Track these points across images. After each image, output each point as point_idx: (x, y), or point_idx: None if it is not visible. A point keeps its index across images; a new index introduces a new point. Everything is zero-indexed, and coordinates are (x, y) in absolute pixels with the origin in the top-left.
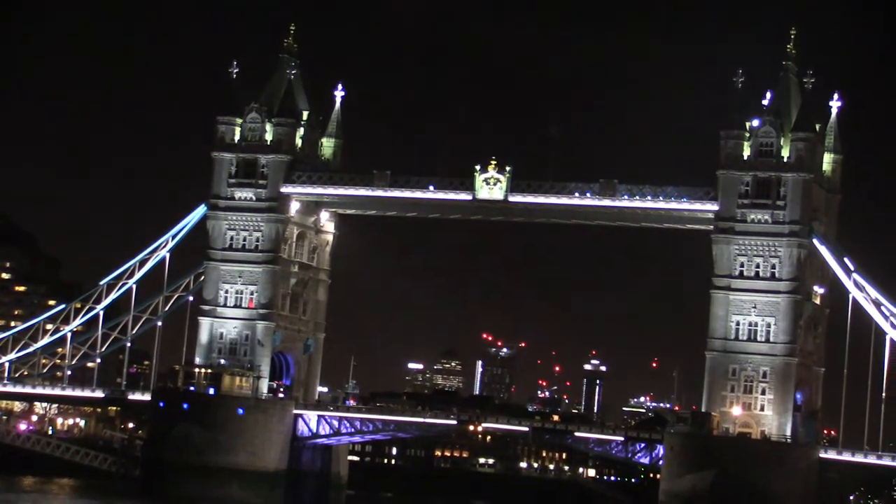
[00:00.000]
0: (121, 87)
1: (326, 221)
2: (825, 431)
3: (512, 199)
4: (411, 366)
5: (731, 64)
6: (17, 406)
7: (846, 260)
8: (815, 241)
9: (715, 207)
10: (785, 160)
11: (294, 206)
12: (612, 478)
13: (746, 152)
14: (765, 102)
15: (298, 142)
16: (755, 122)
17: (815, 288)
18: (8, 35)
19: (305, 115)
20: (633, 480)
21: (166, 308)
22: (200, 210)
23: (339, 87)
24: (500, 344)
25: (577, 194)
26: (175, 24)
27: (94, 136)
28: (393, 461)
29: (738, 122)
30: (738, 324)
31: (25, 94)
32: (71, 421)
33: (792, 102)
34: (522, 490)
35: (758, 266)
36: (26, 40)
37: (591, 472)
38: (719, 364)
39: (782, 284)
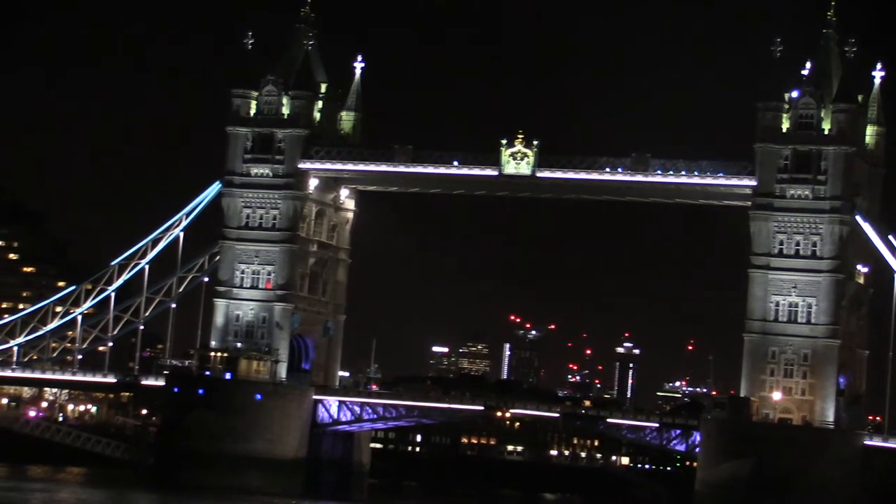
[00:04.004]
0: (132, 60)
1: (346, 198)
2: (870, 417)
3: (540, 174)
4: (436, 349)
5: (768, 32)
6: (27, 392)
7: (891, 237)
8: (858, 218)
9: (752, 183)
10: (826, 133)
11: (312, 183)
12: (647, 466)
13: (785, 125)
14: (804, 72)
15: (316, 115)
16: (794, 94)
17: (858, 267)
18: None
19: (323, 87)
20: (668, 468)
21: (180, 289)
22: (215, 187)
23: (359, 58)
24: (528, 326)
25: (607, 169)
26: None
27: (104, 110)
28: (417, 448)
29: (777, 94)
30: (777, 304)
31: (33, 68)
32: (82, 407)
33: (833, 72)
34: (552, 479)
35: (798, 244)
36: (31, 14)
37: (625, 460)
38: (758, 347)
39: (824, 263)
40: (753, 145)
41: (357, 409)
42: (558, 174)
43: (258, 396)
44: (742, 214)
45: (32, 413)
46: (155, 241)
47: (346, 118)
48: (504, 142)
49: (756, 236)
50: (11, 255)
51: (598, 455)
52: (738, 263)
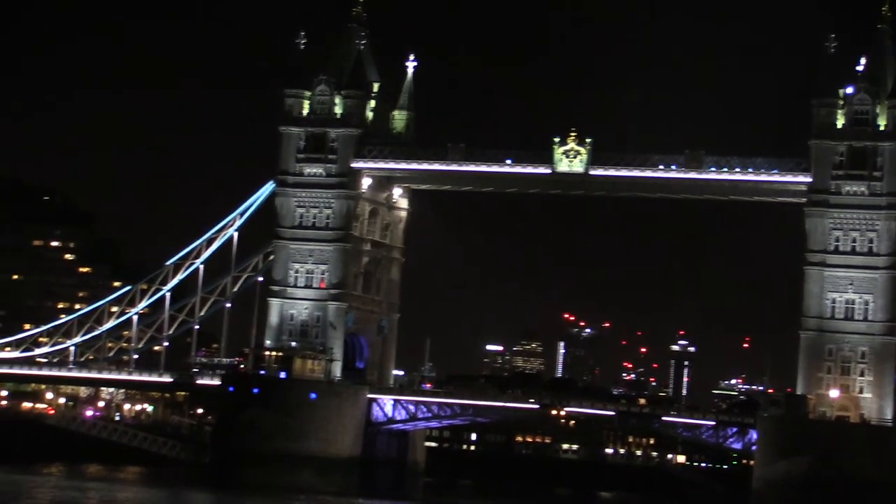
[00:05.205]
0: (184, 60)
1: (399, 197)
2: None
3: (593, 172)
4: (489, 347)
5: (823, 28)
6: (83, 391)
7: None
8: None
9: (808, 179)
10: (881, 129)
11: (365, 182)
12: (703, 464)
13: (840, 121)
14: (859, 68)
15: (369, 115)
16: (849, 90)
17: None
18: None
19: (376, 86)
20: (724, 467)
21: (235, 289)
22: (268, 187)
23: (411, 57)
24: (582, 324)
25: (661, 166)
26: None
27: (157, 111)
28: (472, 447)
29: (831, 90)
30: (833, 301)
31: (85, 72)
32: (138, 406)
33: (888, 68)
34: (608, 477)
35: (854, 240)
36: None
37: (681, 458)
38: (815, 344)
39: (880, 259)
40: (808, 142)
41: (412, 407)
42: (611, 172)
43: (313, 395)
44: (797, 211)
45: (89, 412)
46: (209, 241)
47: (399, 117)
48: (557, 139)
49: (812, 233)
50: (67, 256)
51: (654, 453)
52: (793, 260)
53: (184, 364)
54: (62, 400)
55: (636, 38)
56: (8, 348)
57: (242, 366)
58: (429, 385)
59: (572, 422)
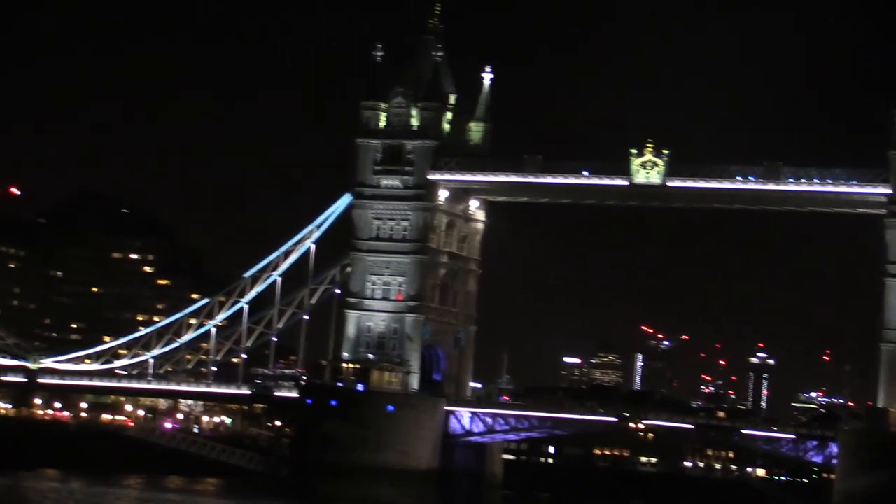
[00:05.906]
0: (260, 71)
1: (476, 209)
2: None
3: (670, 183)
4: (567, 360)
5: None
6: (162, 403)
7: None
8: None
9: (888, 190)
10: None
11: (442, 194)
12: (783, 477)
13: None
14: None
15: (445, 126)
16: None
17: None
18: (149, 33)
19: (452, 98)
20: (804, 480)
21: (312, 301)
22: (346, 199)
23: (488, 69)
24: (660, 336)
25: (739, 178)
26: (313, 5)
27: (232, 123)
28: (550, 460)
29: None
30: None
31: (161, 84)
32: (216, 418)
33: None
34: (687, 490)
35: None
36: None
37: (760, 472)
38: None
39: None
40: (888, 152)
41: (489, 420)
42: (689, 183)
43: (390, 408)
44: (877, 222)
45: (168, 424)
46: (287, 253)
47: (475, 128)
48: (634, 151)
49: (892, 244)
50: (146, 268)
51: (733, 466)
52: (873, 272)
53: (252, 375)
54: (141, 412)
55: (710, 44)
56: (88, 360)
57: (304, 378)
58: (506, 397)
59: (651, 434)
